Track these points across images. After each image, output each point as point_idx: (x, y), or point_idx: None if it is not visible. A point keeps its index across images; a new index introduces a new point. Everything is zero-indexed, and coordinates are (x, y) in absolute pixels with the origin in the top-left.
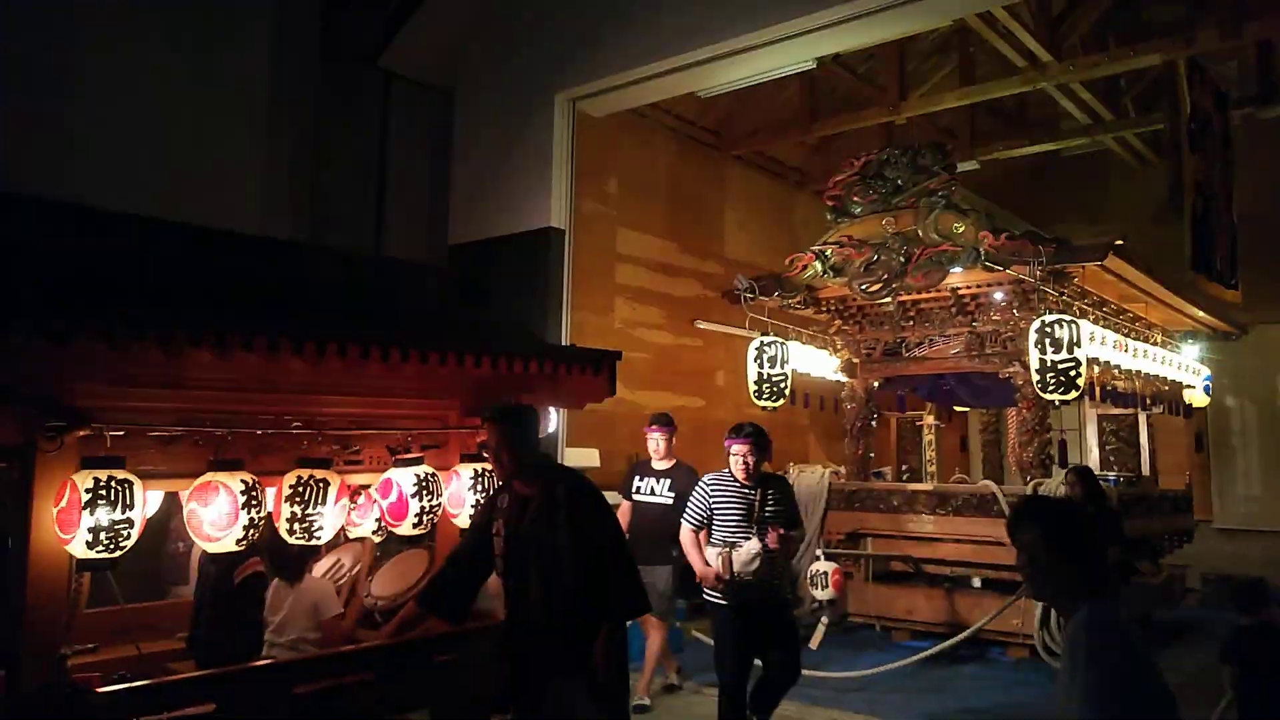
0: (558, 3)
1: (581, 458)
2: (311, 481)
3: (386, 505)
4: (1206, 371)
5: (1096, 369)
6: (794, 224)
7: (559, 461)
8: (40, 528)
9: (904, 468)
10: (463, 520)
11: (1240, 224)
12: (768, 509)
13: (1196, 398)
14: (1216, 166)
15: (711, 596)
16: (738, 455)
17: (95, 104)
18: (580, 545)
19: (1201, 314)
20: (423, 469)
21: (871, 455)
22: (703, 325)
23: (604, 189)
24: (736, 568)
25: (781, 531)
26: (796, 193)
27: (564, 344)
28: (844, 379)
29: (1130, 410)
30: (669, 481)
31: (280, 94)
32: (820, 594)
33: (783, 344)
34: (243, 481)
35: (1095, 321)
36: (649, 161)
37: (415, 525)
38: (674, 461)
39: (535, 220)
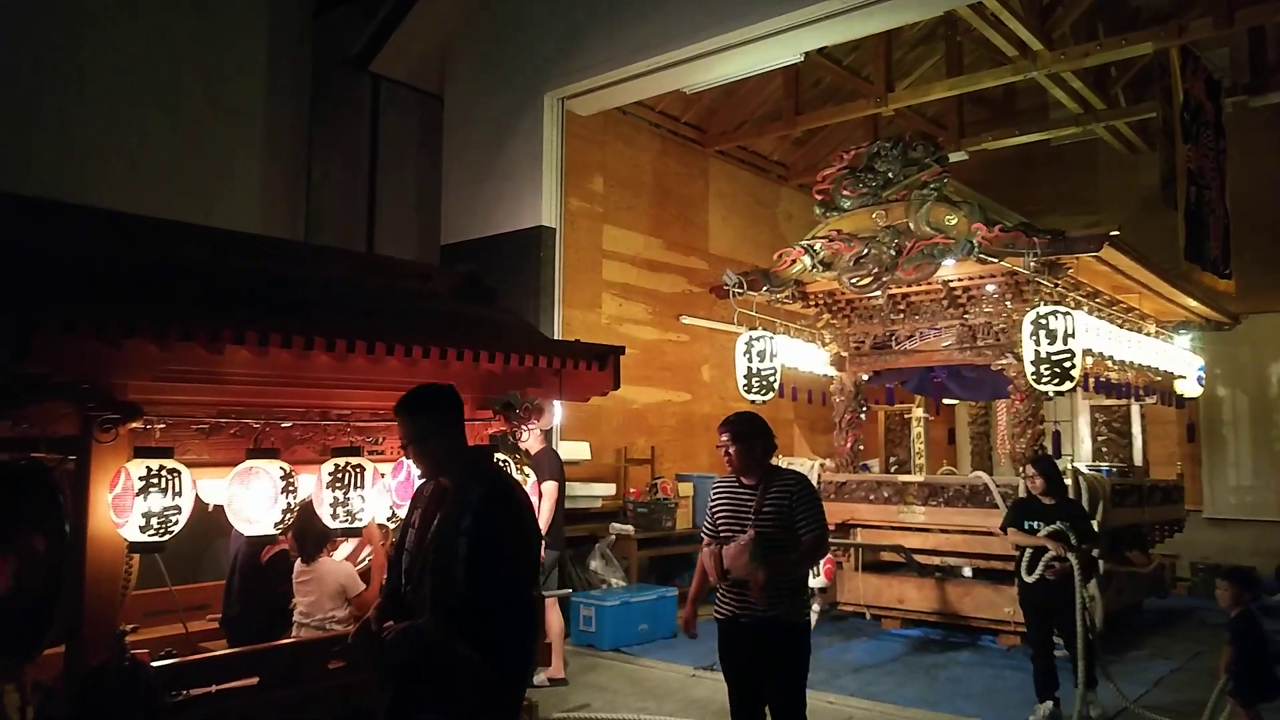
0: (545, 3)
1: (573, 451)
2: (349, 468)
3: (395, 485)
4: (1199, 361)
5: (1090, 360)
6: (777, 218)
7: (493, 458)
8: (96, 513)
9: (892, 460)
10: None
11: (1233, 213)
12: (765, 508)
13: (1189, 388)
14: (1209, 155)
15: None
16: (720, 447)
17: (98, 111)
18: (472, 562)
19: (1195, 304)
20: None
21: (861, 447)
22: (688, 320)
23: (589, 187)
24: (726, 562)
25: (754, 533)
26: (780, 187)
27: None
28: (832, 372)
29: (1123, 401)
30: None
31: (274, 100)
32: (812, 581)
33: (771, 338)
34: (280, 469)
35: (1089, 313)
36: (633, 159)
37: None
38: (542, 447)
39: (526, 219)
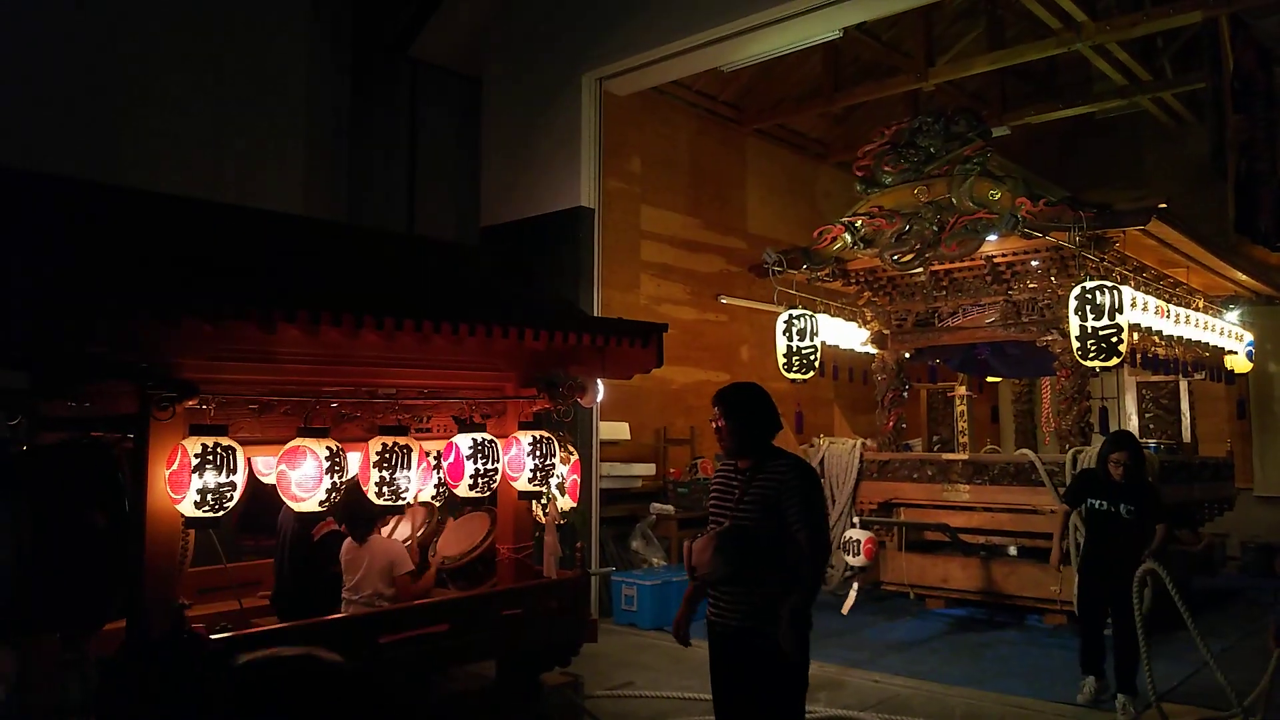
0: None
1: (612, 431)
2: (395, 448)
3: (446, 466)
4: (1249, 336)
5: (1137, 335)
6: (816, 196)
7: None
8: (154, 489)
9: (935, 439)
10: (523, 484)
11: None
12: (748, 497)
13: (1239, 363)
14: (1260, 126)
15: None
16: (713, 420)
17: (140, 93)
18: None
19: (1244, 278)
20: (481, 435)
21: (904, 426)
22: (727, 300)
23: (627, 167)
24: (693, 559)
25: (729, 525)
26: (818, 165)
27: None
28: (873, 350)
29: (1171, 377)
30: None
31: (315, 83)
32: (852, 560)
33: (812, 317)
34: (328, 448)
35: (1136, 287)
36: (670, 138)
37: (471, 487)
38: None
39: (565, 200)
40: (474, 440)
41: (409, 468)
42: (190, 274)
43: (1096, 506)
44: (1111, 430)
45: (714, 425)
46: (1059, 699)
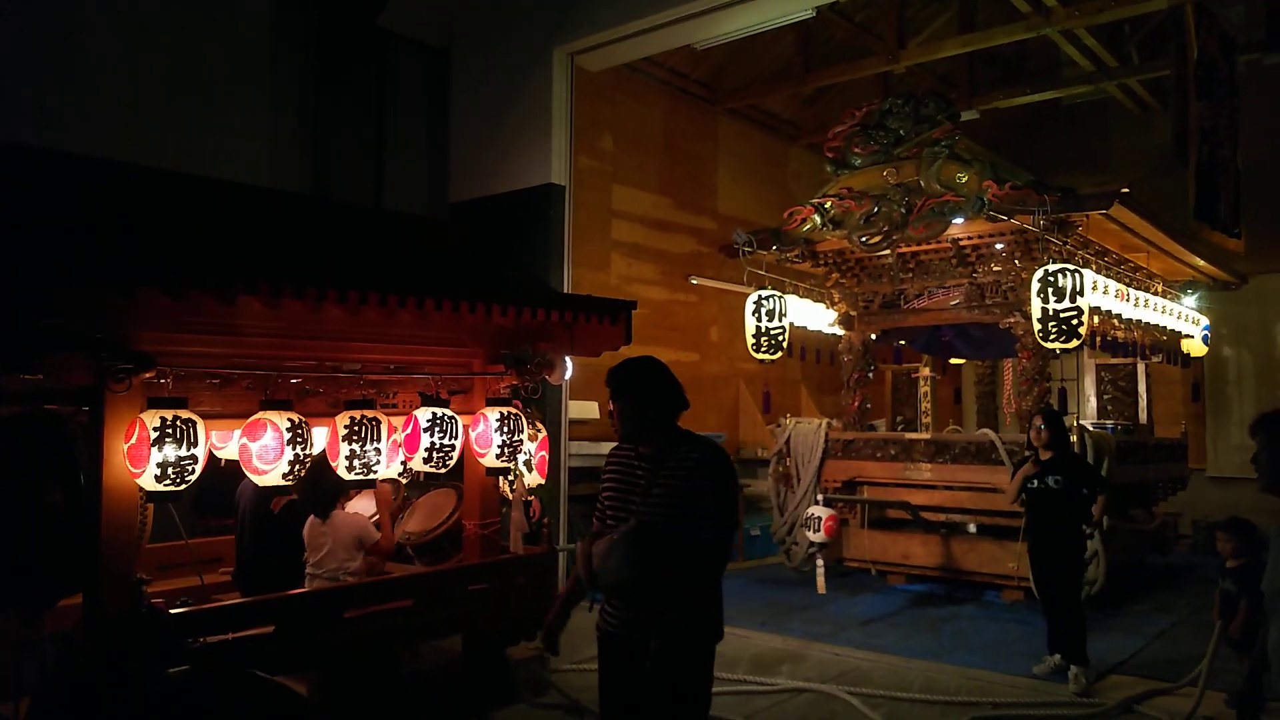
0: None
1: (582, 410)
2: (365, 421)
3: (404, 437)
4: (1205, 321)
5: (1097, 318)
6: (787, 178)
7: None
8: (111, 463)
9: (899, 419)
10: (490, 460)
11: (1243, 171)
12: (656, 489)
13: (1195, 347)
14: (1222, 113)
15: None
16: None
17: (99, 58)
18: None
19: (1203, 263)
20: (442, 410)
21: (869, 406)
22: (697, 281)
23: (599, 145)
24: (595, 562)
25: (635, 523)
26: (790, 146)
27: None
28: (840, 332)
29: (1129, 360)
30: None
31: (280, 51)
32: (814, 537)
33: (780, 297)
34: (289, 420)
35: (1098, 271)
36: (643, 116)
37: (426, 460)
38: None
39: (535, 177)
40: (433, 414)
41: (379, 441)
42: (149, 244)
43: (1031, 485)
44: (1070, 411)
45: (610, 406)
46: (1015, 672)
